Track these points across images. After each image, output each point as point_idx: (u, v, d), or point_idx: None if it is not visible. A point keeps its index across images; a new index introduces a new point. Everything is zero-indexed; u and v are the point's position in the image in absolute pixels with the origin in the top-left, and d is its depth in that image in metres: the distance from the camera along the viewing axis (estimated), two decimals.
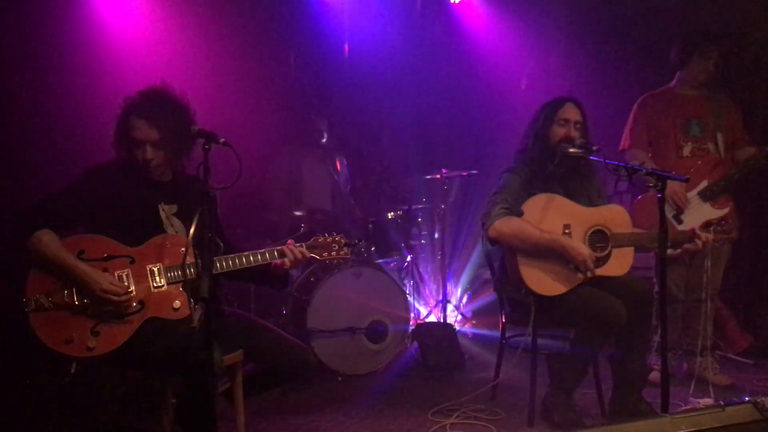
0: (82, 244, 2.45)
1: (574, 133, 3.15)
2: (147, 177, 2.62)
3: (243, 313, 2.85)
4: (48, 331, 2.34)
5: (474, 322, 5.12)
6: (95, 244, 2.46)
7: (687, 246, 3.09)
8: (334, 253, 2.65)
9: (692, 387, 3.44)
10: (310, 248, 2.64)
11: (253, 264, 2.56)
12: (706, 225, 3.16)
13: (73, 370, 2.43)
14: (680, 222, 3.71)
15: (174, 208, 2.64)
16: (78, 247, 2.43)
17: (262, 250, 2.58)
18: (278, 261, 2.60)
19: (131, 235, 2.50)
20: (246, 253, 2.57)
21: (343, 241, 2.68)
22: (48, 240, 2.38)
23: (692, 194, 3.76)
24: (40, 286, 2.37)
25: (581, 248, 2.97)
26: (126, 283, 2.42)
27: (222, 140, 2.42)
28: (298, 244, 2.62)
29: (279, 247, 2.60)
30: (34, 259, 2.38)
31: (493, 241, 3.12)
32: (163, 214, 2.61)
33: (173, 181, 2.69)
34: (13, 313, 2.42)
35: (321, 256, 2.65)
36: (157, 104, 2.55)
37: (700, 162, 3.81)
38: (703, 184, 3.76)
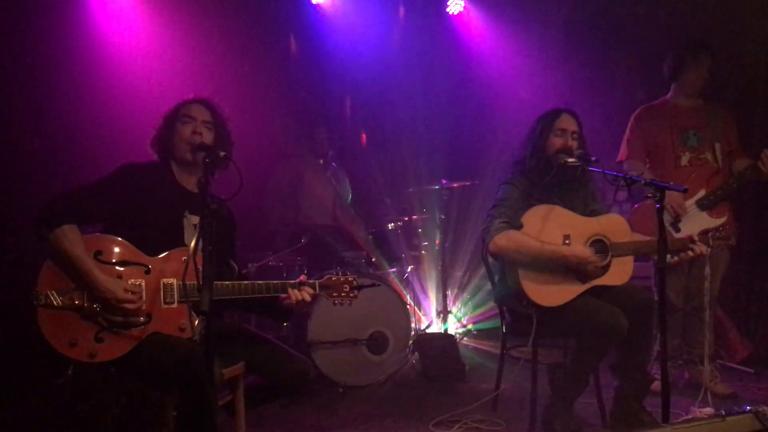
0: (100, 244, 2.42)
1: (572, 143, 3.16)
2: (178, 183, 2.65)
3: (244, 325, 2.85)
4: (54, 330, 2.31)
5: (475, 332, 5.12)
6: (114, 246, 2.43)
7: (682, 255, 3.11)
8: (344, 294, 2.64)
9: (699, 397, 3.42)
10: (321, 287, 2.62)
11: (264, 293, 2.53)
12: (704, 233, 3.17)
13: (69, 372, 2.42)
14: (678, 230, 3.73)
15: (196, 219, 2.63)
16: (96, 247, 2.40)
17: (276, 282, 2.56)
18: (285, 296, 2.57)
19: (152, 240, 2.48)
20: (259, 282, 2.55)
21: (354, 282, 2.65)
22: (72, 236, 2.35)
23: (690, 203, 3.78)
24: (53, 281, 2.34)
25: (582, 252, 2.99)
26: (139, 289, 2.41)
27: (222, 154, 2.43)
28: (310, 281, 2.60)
29: (292, 282, 2.58)
30: (52, 253, 2.35)
31: (494, 256, 3.13)
32: (186, 223, 2.61)
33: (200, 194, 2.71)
34: (21, 304, 2.39)
35: (330, 296, 2.63)
36: (212, 101, 2.74)
37: (697, 171, 3.83)
38: (701, 193, 3.78)
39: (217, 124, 2.69)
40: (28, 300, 2.32)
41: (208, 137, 2.64)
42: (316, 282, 2.62)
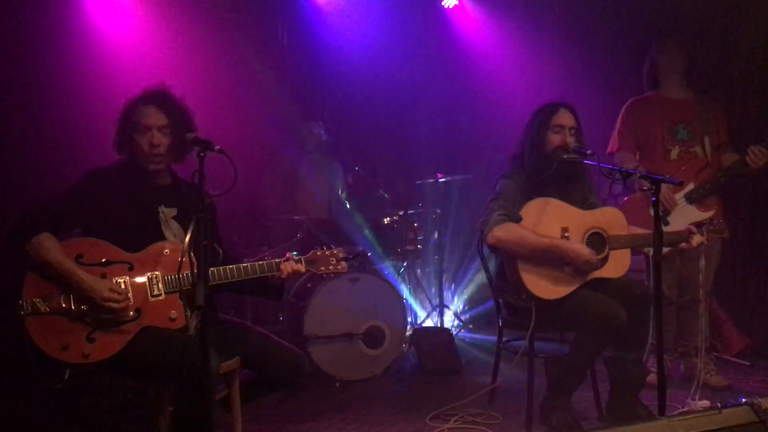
0: (80, 247, 2.43)
1: (570, 140, 3.15)
2: (147, 179, 2.63)
3: (239, 320, 2.85)
4: (44, 336, 2.32)
5: (471, 326, 5.12)
6: (94, 248, 2.44)
7: (682, 245, 3.12)
8: (331, 267, 2.65)
9: (692, 390, 3.43)
10: (307, 262, 2.63)
11: (250, 275, 2.55)
12: (695, 226, 3.18)
13: (66, 376, 2.42)
14: (666, 224, 3.73)
15: (173, 211, 2.64)
16: (76, 251, 2.41)
17: (261, 262, 2.57)
18: (276, 273, 2.59)
19: (130, 239, 2.49)
20: (244, 264, 2.56)
21: (340, 255, 2.67)
22: (49, 244, 2.37)
23: (679, 196, 3.79)
24: (37, 289, 2.35)
25: (581, 249, 2.99)
26: (124, 290, 2.41)
27: (217, 148, 2.42)
28: (296, 258, 2.62)
29: (277, 260, 2.59)
30: (33, 263, 2.36)
31: (492, 248, 3.13)
32: (162, 217, 2.61)
33: (173, 185, 2.70)
34: (9, 315, 2.39)
35: (318, 270, 2.65)
36: (164, 94, 2.62)
37: (686, 165, 3.83)
38: (690, 186, 3.78)
39: (173, 124, 2.59)
40: (15, 310, 2.33)
41: (165, 142, 2.57)
42: (302, 258, 2.63)
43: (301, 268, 2.61)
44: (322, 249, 2.68)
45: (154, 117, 2.57)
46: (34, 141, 4.10)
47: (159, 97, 2.61)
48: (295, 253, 2.68)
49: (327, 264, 2.66)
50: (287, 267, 2.58)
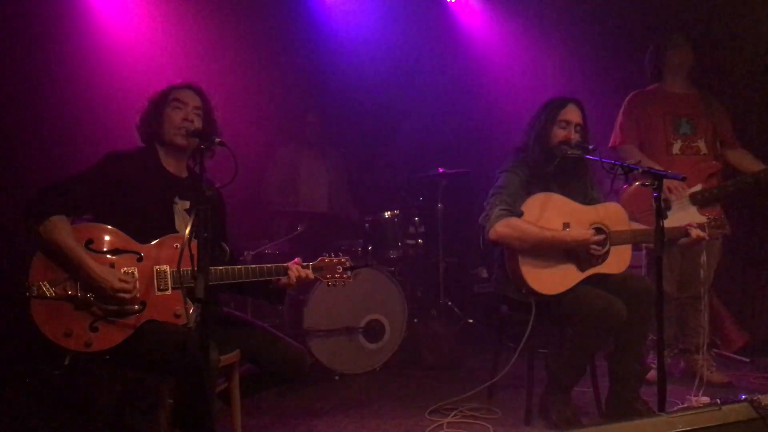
0: (91, 233, 2.40)
1: (574, 136, 3.14)
2: (165, 169, 2.63)
3: (239, 313, 2.85)
4: (48, 321, 2.30)
5: (471, 320, 5.11)
6: (104, 235, 2.42)
7: (683, 240, 3.12)
8: (337, 275, 2.69)
9: (694, 386, 3.43)
10: (315, 269, 2.66)
11: (258, 276, 2.55)
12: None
13: (66, 363, 2.42)
14: (665, 216, 3.70)
15: (186, 204, 2.64)
16: (87, 236, 2.38)
17: (269, 265, 2.58)
18: (283, 277, 2.60)
19: (143, 228, 2.46)
20: (252, 265, 2.56)
21: (347, 263, 2.71)
22: (62, 227, 2.33)
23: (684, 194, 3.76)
24: (45, 272, 2.32)
25: (583, 234, 2.99)
26: (133, 280, 2.39)
27: (218, 140, 2.42)
28: (304, 264, 2.64)
29: (285, 265, 2.60)
30: (43, 245, 2.33)
31: (494, 243, 3.12)
32: (176, 208, 2.60)
33: (189, 179, 2.70)
34: (14, 296, 2.38)
35: (324, 278, 2.68)
36: (200, 87, 2.73)
37: (690, 162, 3.80)
38: (697, 187, 3.75)
39: (206, 111, 2.68)
40: (21, 291, 2.31)
41: (198, 124, 2.63)
42: (310, 264, 2.65)
43: (310, 274, 2.63)
44: (330, 256, 2.70)
45: (192, 98, 2.66)
46: (40, 138, 4.11)
47: (196, 87, 2.71)
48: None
49: (333, 272, 2.69)
50: (294, 272, 2.59)
